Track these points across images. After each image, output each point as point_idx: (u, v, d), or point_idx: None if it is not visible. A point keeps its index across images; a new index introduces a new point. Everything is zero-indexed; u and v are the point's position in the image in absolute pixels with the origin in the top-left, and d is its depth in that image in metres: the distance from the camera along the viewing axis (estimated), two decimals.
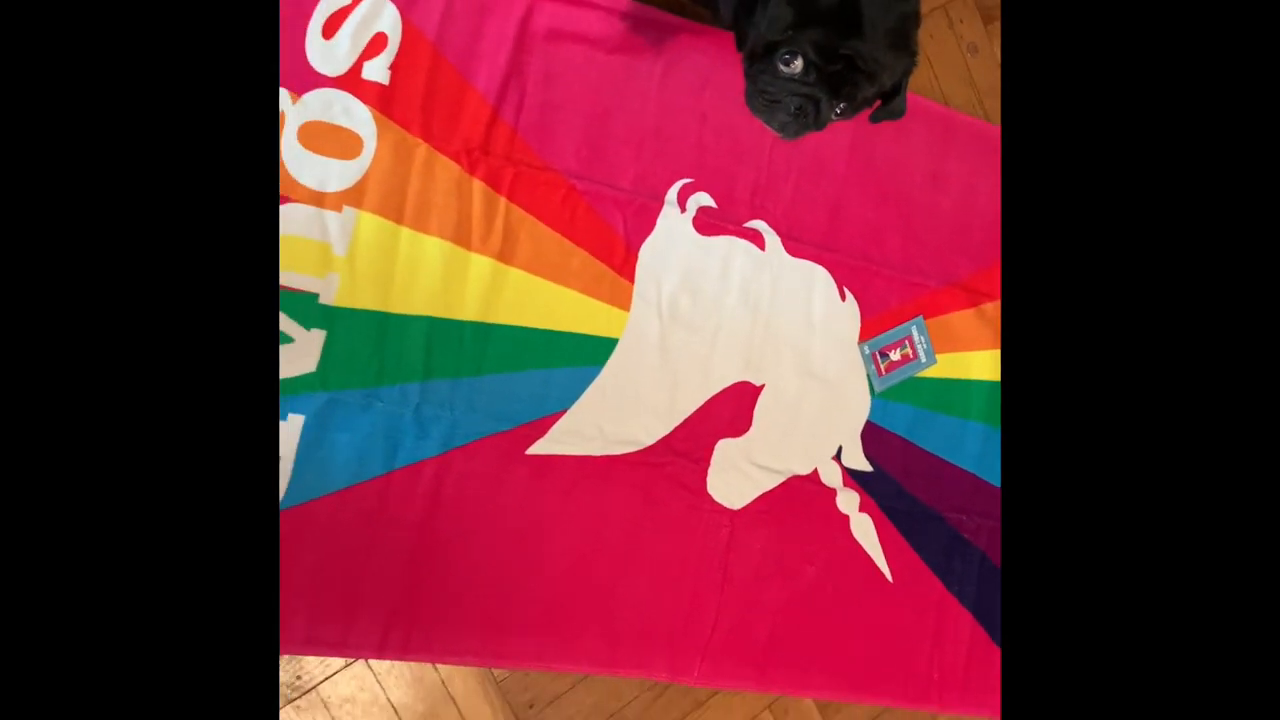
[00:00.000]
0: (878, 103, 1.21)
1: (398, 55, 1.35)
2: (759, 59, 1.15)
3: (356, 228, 1.33)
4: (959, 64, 1.74)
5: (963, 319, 1.66)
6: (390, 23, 1.35)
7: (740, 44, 1.21)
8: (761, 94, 1.15)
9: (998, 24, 1.78)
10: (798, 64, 1.10)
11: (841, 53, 1.08)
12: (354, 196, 1.33)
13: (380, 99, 1.34)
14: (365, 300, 1.34)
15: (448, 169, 1.38)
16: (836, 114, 1.17)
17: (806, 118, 1.15)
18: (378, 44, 1.35)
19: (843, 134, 1.60)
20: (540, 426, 1.42)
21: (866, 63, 1.09)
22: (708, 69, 1.52)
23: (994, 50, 1.78)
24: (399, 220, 1.35)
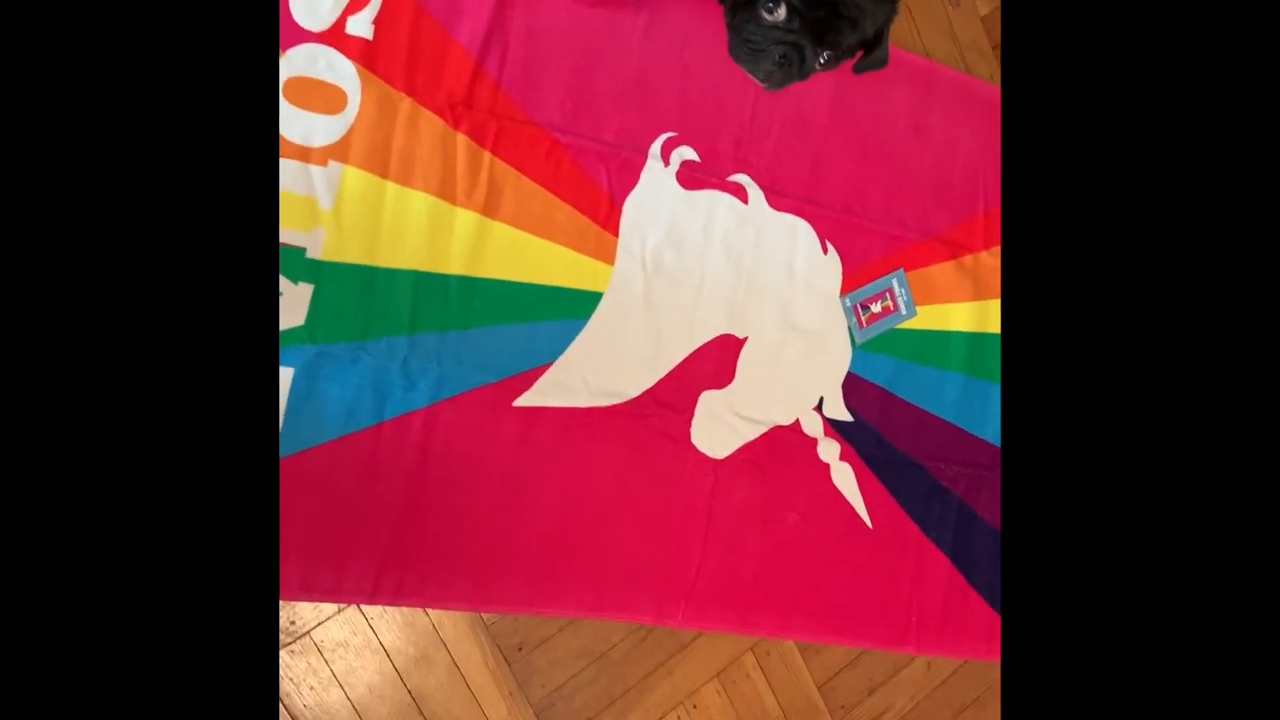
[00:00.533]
0: (860, 53, 1.22)
1: (381, 10, 1.35)
2: (742, 8, 1.16)
3: (342, 182, 1.34)
4: (941, 17, 1.75)
5: (942, 271, 1.69)
6: None
7: None
8: (745, 43, 1.16)
9: None
10: (781, 11, 1.11)
11: None
12: (339, 151, 1.34)
13: (364, 54, 1.35)
14: (352, 254, 1.35)
15: (432, 123, 1.39)
16: (820, 64, 1.18)
17: (791, 66, 1.16)
18: None
19: (825, 87, 1.61)
20: (527, 379, 1.44)
21: (849, 8, 1.10)
22: (690, 23, 1.53)
23: (975, 4, 1.78)
24: (384, 175, 1.36)
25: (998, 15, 1.81)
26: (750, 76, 1.22)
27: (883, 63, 1.24)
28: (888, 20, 1.19)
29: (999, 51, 1.81)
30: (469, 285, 1.41)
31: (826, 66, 1.19)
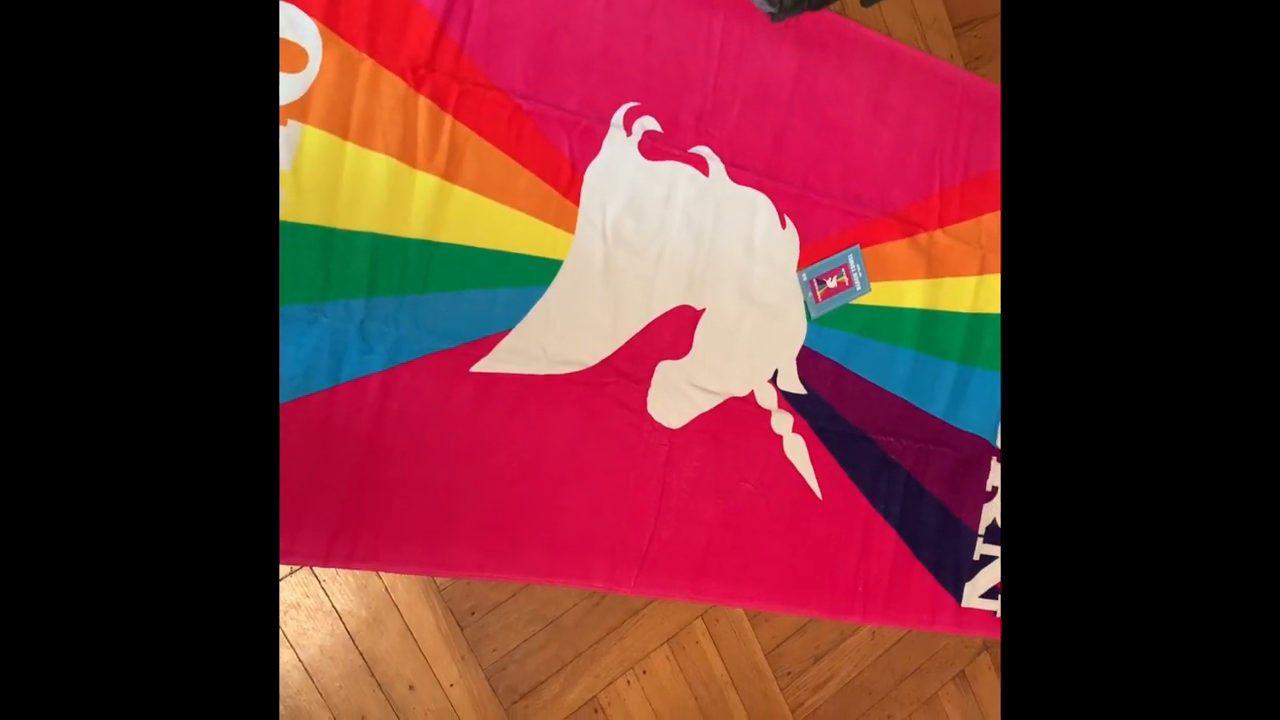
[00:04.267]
0: None
1: None
2: None
3: (301, 142, 1.33)
4: None
5: (897, 249, 1.71)
6: None
7: None
8: None
9: None
10: None
11: None
12: (299, 110, 1.33)
13: (326, 12, 1.33)
14: (310, 215, 1.34)
15: (393, 85, 1.37)
16: None
17: None
18: None
19: (788, 62, 1.62)
20: (484, 345, 1.45)
21: None
22: None
23: None
24: (344, 135, 1.35)
25: None
26: (761, 8, 1.14)
27: None
28: None
29: (959, 32, 1.83)
30: (428, 249, 1.41)
31: None
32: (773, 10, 1.14)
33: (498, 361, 1.45)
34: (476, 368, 1.44)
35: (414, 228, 1.40)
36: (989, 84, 1.81)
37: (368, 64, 1.36)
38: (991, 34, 1.87)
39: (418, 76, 1.38)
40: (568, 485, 1.51)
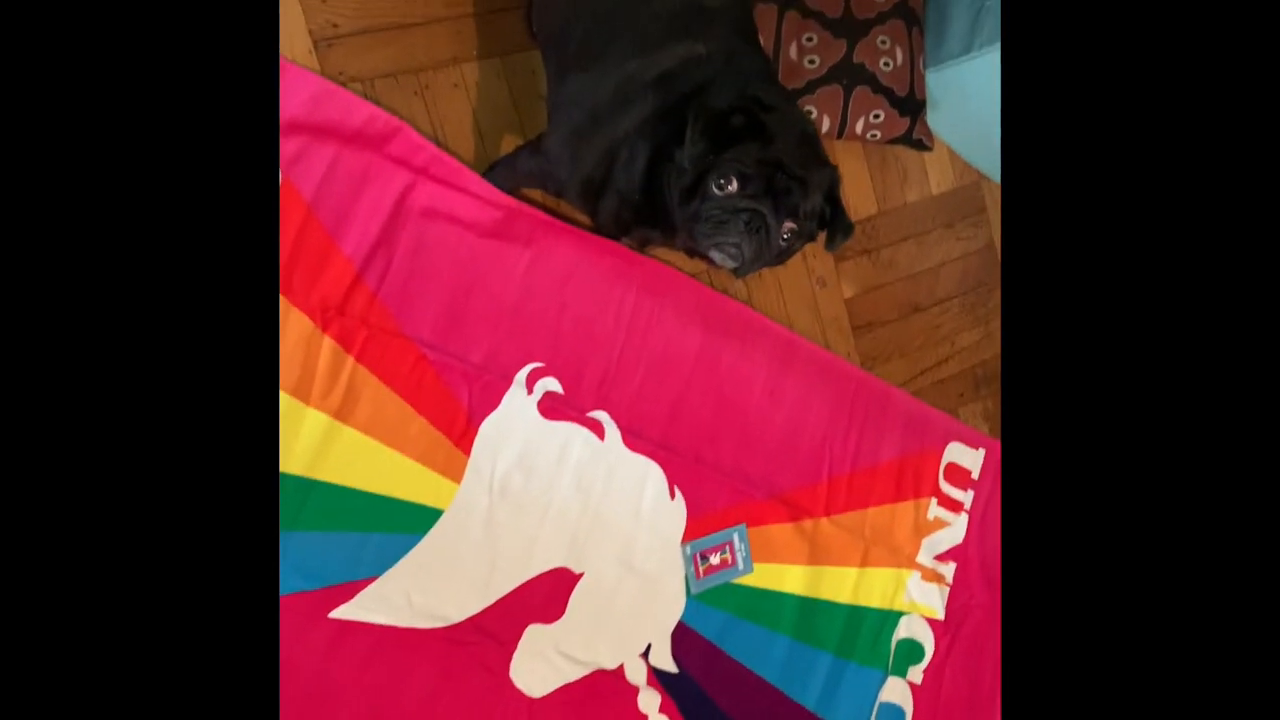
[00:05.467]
0: (822, 234, 1.26)
1: None
2: (691, 195, 1.17)
3: None
4: (808, 294, 1.89)
5: (782, 532, 1.74)
6: None
7: (663, 227, 1.28)
8: (707, 221, 1.16)
9: (847, 263, 1.95)
10: (733, 183, 1.14)
11: (767, 159, 1.14)
12: None
13: None
14: None
15: (300, 323, 1.40)
16: (784, 241, 1.19)
17: (759, 234, 1.16)
18: None
19: (692, 340, 1.70)
20: (348, 590, 1.40)
21: (791, 168, 1.14)
22: (574, 263, 1.61)
23: (840, 286, 1.94)
24: None
25: (860, 298, 1.96)
26: (722, 265, 1.21)
27: (850, 230, 1.27)
28: (833, 183, 1.23)
29: (858, 332, 1.95)
30: (305, 486, 1.39)
31: (794, 242, 1.21)
32: (736, 266, 1.20)
33: (359, 609, 1.40)
34: (335, 613, 1.39)
35: (295, 463, 1.38)
36: (882, 382, 1.91)
37: (279, 301, 1.39)
38: (888, 337, 2.00)
39: (326, 317, 1.42)
40: None
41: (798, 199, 1.17)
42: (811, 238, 1.26)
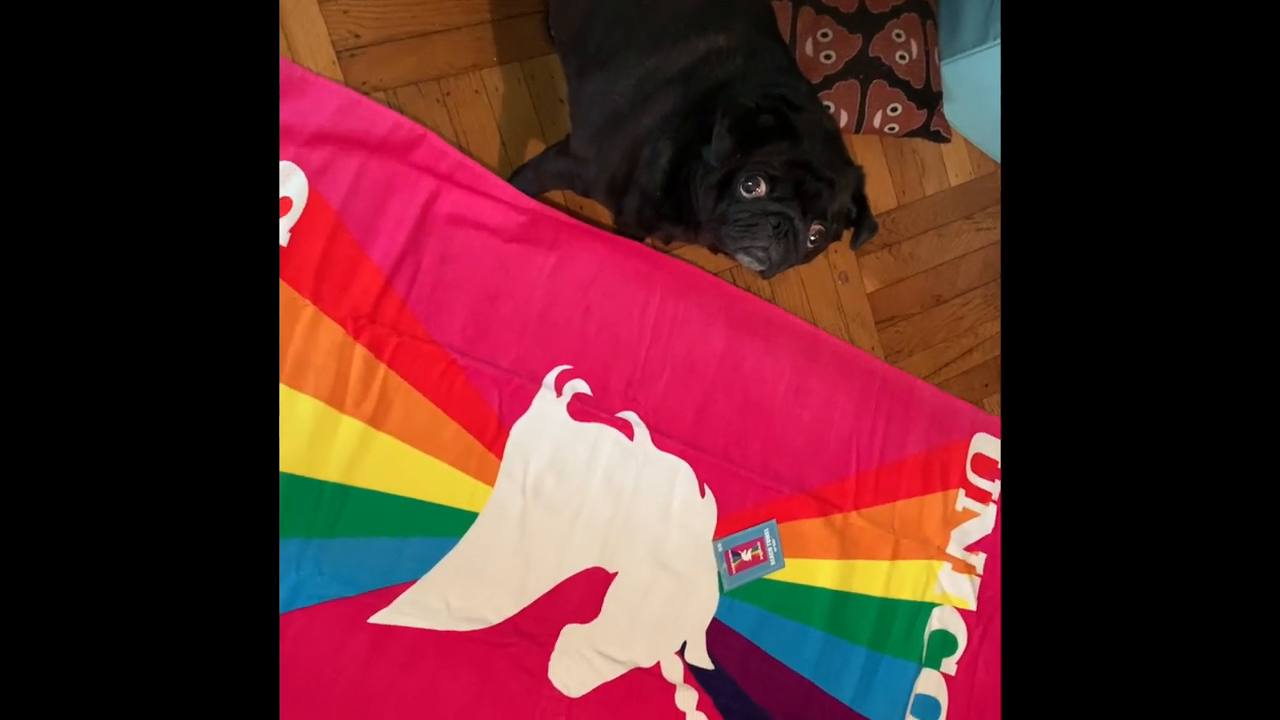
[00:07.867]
0: (847, 232, 1.26)
1: (300, 219, 1.41)
2: (720, 198, 1.17)
3: None
4: (830, 290, 1.90)
5: (812, 527, 1.74)
6: (297, 188, 1.41)
7: (687, 224, 1.27)
8: (735, 224, 1.16)
9: (868, 257, 1.95)
10: (761, 186, 1.14)
11: (796, 160, 1.13)
12: None
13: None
14: None
15: (332, 332, 1.41)
16: (812, 242, 1.19)
17: (786, 237, 1.16)
18: (282, 206, 1.40)
19: (717, 340, 1.71)
20: (386, 595, 1.41)
21: (820, 169, 1.14)
22: (599, 266, 1.62)
23: (863, 281, 1.94)
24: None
25: (882, 292, 1.97)
26: (749, 268, 1.21)
27: (874, 228, 1.27)
28: (859, 182, 1.23)
29: (881, 327, 1.96)
30: (342, 493, 1.40)
31: (820, 242, 1.21)
32: (763, 269, 1.21)
33: (398, 614, 1.42)
34: (375, 619, 1.40)
35: (331, 470, 1.40)
36: (907, 375, 1.91)
37: (310, 310, 1.40)
38: (911, 330, 2.00)
39: (358, 325, 1.43)
40: None
41: (826, 201, 1.17)
42: (837, 237, 1.27)
